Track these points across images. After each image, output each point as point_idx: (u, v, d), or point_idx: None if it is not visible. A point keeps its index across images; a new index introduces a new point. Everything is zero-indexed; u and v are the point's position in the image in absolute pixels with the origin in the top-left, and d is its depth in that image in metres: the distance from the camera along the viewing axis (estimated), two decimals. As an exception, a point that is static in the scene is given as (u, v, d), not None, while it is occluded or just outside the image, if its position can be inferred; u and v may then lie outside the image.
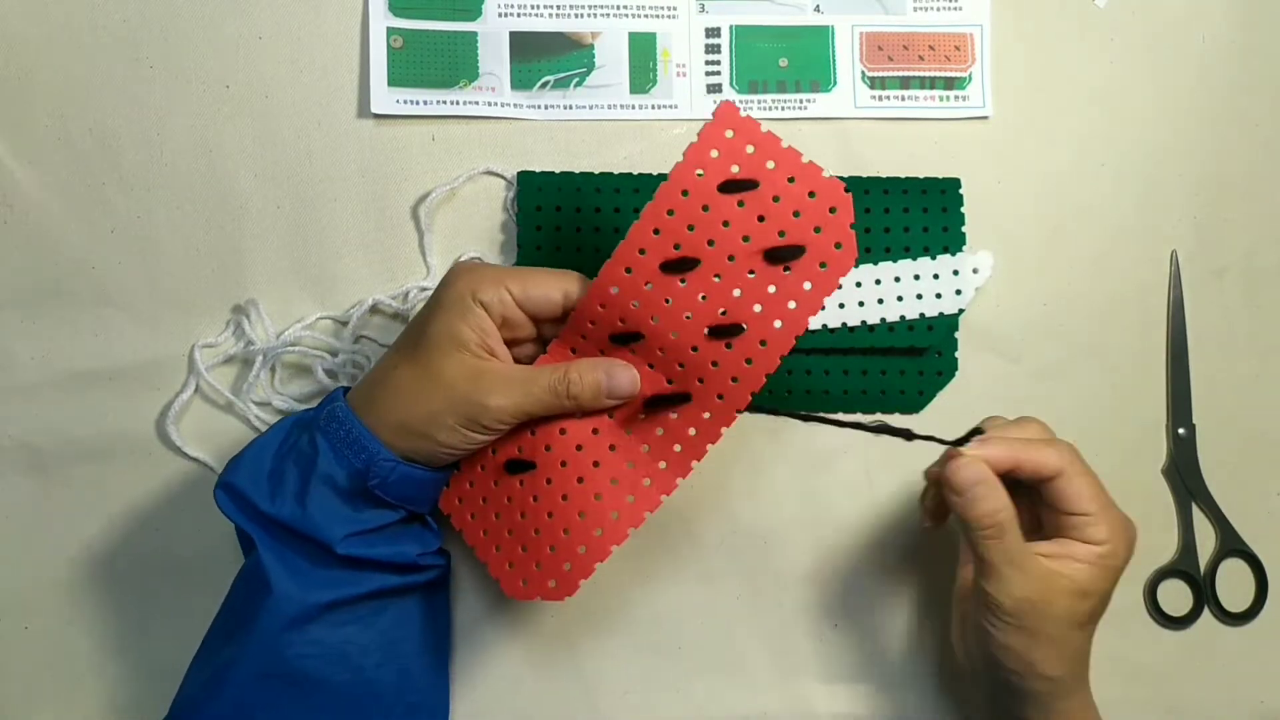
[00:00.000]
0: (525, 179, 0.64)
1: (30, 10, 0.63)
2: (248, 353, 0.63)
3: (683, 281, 0.52)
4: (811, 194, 0.51)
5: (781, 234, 0.51)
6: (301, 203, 0.64)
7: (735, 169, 0.51)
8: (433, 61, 0.64)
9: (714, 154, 0.51)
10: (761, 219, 0.51)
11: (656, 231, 0.52)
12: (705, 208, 0.51)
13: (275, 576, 0.52)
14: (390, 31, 0.64)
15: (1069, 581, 0.53)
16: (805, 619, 0.65)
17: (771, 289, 0.52)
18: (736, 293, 0.52)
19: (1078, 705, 0.55)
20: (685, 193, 0.51)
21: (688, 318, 0.52)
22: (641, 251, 0.52)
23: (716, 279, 0.52)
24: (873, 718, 0.65)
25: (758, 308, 0.52)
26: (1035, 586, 0.52)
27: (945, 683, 0.65)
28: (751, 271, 0.52)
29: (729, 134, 0.51)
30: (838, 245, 0.51)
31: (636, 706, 0.65)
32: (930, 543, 0.65)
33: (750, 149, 0.51)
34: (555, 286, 0.54)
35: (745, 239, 0.51)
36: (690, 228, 0.51)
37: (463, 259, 0.64)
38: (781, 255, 0.51)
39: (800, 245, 0.51)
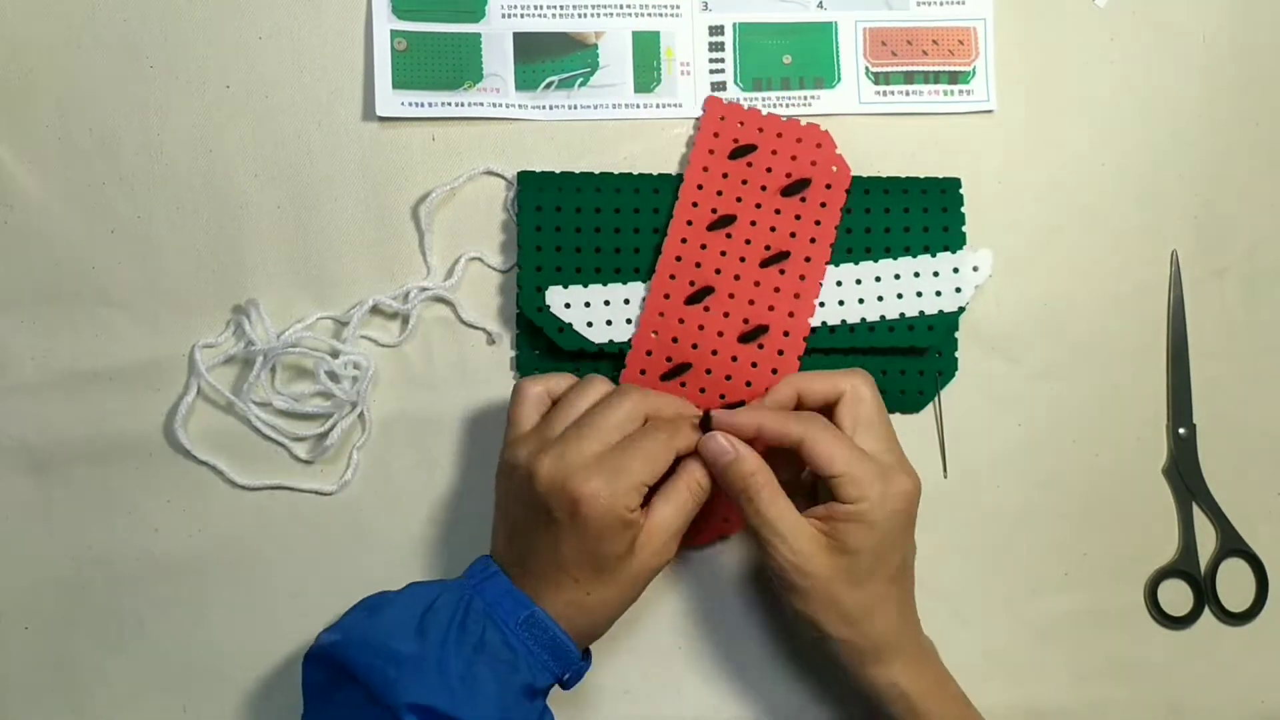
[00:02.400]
0: (526, 179, 0.64)
1: (30, 11, 0.63)
2: (248, 353, 0.63)
3: (729, 235, 0.62)
4: (798, 139, 0.64)
5: (788, 174, 0.63)
6: (301, 203, 0.64)
7: (735, 140, 0.64)
8: (437, 63, 0.64)
9: (715, 135, 0.64)
10: (769, 169, 0.63)
11: (695, 204, 0.63)
12: (725, 174, 0.63)
13: None
14: (394, 34, 0.64)
15: (825, 540, 0.55)
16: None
17: (797, 217, 0.63)
18: (772, 228, 0.63)
19: (890, 672, 0.57)
20: (706, 168, 0.63)
21: (720, 335, 0.62)
22: (689, 223, 0.63)
23: (753, 225, 0.63)
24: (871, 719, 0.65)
25: (793, 235, 0.63)
26: (796, 546, 0.55)
27: (946, 682, 0.65)
28: (778, 210, 0.63)
29: (721, 119, 0.64)
30: (834, 168, 0.64)
31: (636, 706, 0.65)
32: (930, 542, 0.65)
33: (740, 124, 0.64)
34: (669, 453, 0.56)
35: (763, 188, 0.63)
36: (719, 192, 0.63)
37: (463, 259, 0.64)
38: (794, 188, 0.63)
39: (805, 177, 0.63)
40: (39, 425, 0.63)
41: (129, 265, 0.63)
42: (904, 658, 0.57)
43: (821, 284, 0.62)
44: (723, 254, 0.62)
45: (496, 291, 0.65)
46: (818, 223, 0.63)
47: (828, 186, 0.63)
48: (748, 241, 0.62)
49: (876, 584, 0.56)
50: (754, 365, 0.61)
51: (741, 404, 0.61)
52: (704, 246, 0.62)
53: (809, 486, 0.61)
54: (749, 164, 0.63)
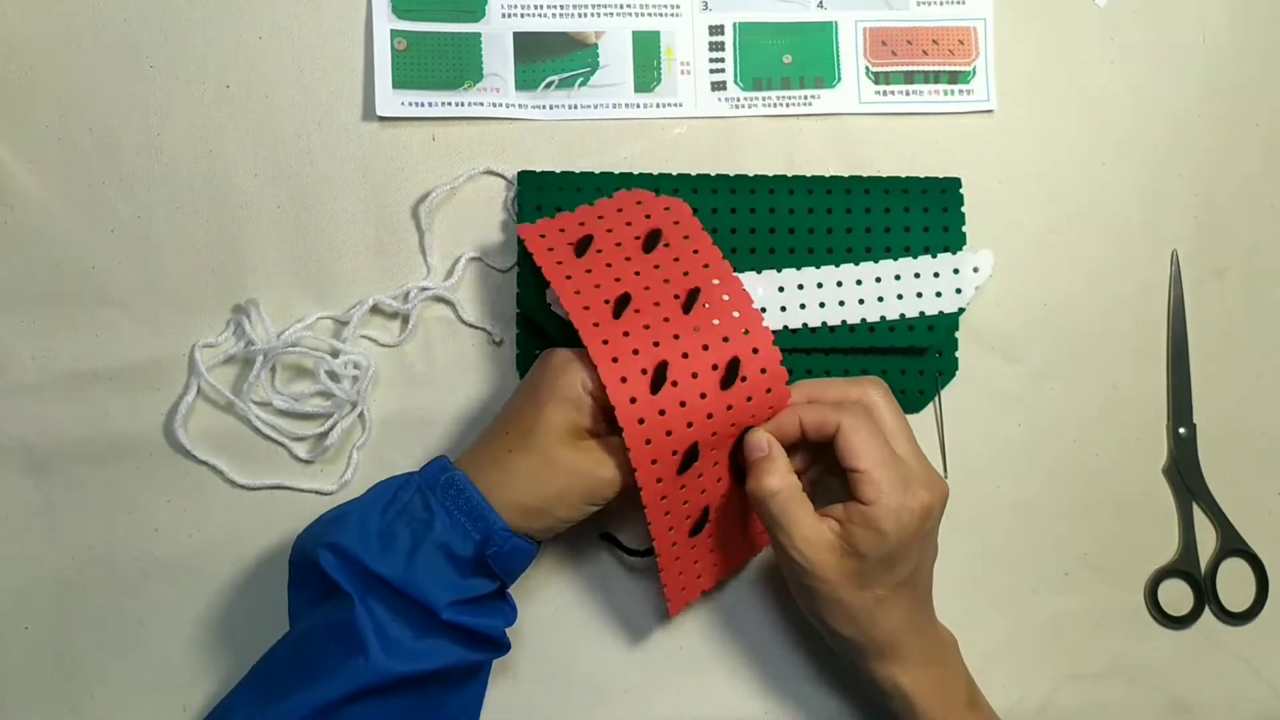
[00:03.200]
0: (526, 179, 0.64)
1: (30, 10, 0.63)
2: (248, 353, 0.63)
3: (637, 310, 0.56)
4: (639, 202, 0.61)
5: (636, 236, 0.59)
6: (301, 203, 0.64)
7: (569, 243, 0.59)
8: (437, 63, 0.64)
9: (550, 250, 0.59)
10: (618, 244, 0.59)
11: (586, 308, 0.56)
12: (587, 270, 0.58)
13: (370, 642, 0.52)
14: (394, 34, 0.64)
15: (835, 540, 0.55)
16: (805, 619, 0.65)
17: (675, 259, 0.58)
18: (666, 280, 0.57)
19: (894, 673, 0.58)
20: (569, 276, 0.57)
21: (703, 396, 0.55)
22: (595, 324, 0.55)
23: (646, 290, 0.57)
24: (871, 718, 0.65)
25: (686, 274, 0.57)
26: (808, 547, 0.55)
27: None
28: (656, 265, 0.58)
29: (542, 236, 0.59)
30: (666, 207, 0.60)
31: (636, 706, 0.65)
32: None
33: (561, 230, 0.59)
34: None
35: (626, 259, 0.58)
36: (596, 285, 0.57)
37: (463, 259, 0.64)
38: (650, 243, 0.59)
39: (654, 229, 0.59)
40: (39, 425, 0.63)
41: (129, 265, 0.63)
42: (908, 659, 0.58)
43: (750, 298, 0.57)
44: (646, 327, 0.55)
45: (496, 291, 0.65)
46: (696, 252, 0.58)
47: (676, 223, 0.60)
48: (656, 304, 0.56)
49: (882, 588, 0.56)
50: (749, 400, 0.56)
51: None
52: (626, 334, 0.55)
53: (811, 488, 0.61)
54: (598, 250, 0.58)
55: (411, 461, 0.64)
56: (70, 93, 0.63)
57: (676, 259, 0.58)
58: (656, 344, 0.55)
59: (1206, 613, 0.67)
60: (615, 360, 0.54)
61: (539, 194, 0.64)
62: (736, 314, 0.56)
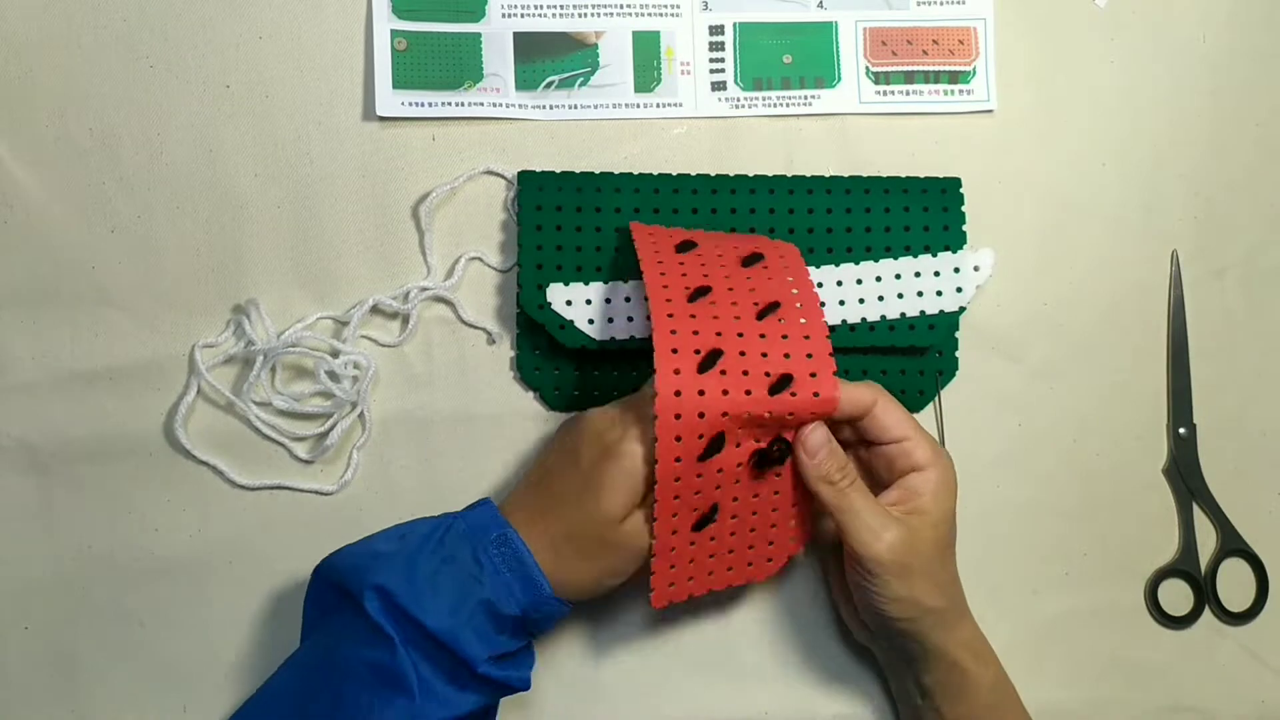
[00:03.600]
0: (526, 179, 0.64)
1: (30, 10, 0.63)
2: (248, 353, 0.63)
3: (712, 302, 0.57)
4: (752, 231, 0.63)
5: (738, 252, 0.60)
6: (301, 203, 0.64)
7: (674, 242, 0.60)
8: (437, 63, 0.64)
9: (651, 237, 0.60)
10: (719, 255, 0.59)
11: (665, 285, 0.57)
12: (680, 262, 0.58)
13: (413, 687, 0.52)
14: (394, 34, 0.64)
15: (922, 516, 0.57)
16: (805, 619, 0.65)
17: (769, 278, 0.59)
18: (751, 289, 0.58)
19: (964, 634, 0.59)
20: (660, 260, 0.58)
21: (748, 393, 0.55)
22: (667, 300, 0.56)
23: (730, 290, 0.57)
24: (872, 718, 0.65)
25: (773, 288, 0.58)
26: (895, 529, 0.56)
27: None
28: (748, 276, 0.58)
29: (650, 234, 0.61)
30: (780, 254, 0.60)
31: (636, 706, 0.65)
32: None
33: (671, 233, 0.61)
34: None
35: (721, 266, 0.59)
36: (683, 273, 0.58)
37: (463, 259, 0.64)
38: (751, 260, 0.60)
39: (757, 251, 0.60)
40: (39, 425, 0.63)
41: (129, 265, 0.63)
42: (970, 617, 0.60)
43: (826, 328, 0.57)
44: (715, 318, 0.56)
45: (496, 291, 0.65)
46: (790, 279, 0.59)
47: (781, 256, 0.60)
48: (734, 303, 0.57)
49: (952, 548, 0.59)
50: (791, 414, 0.55)
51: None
52: (693, 316, 0.56)
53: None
54: (698, 254, 0.59)
55: (411, 462, 0.64)
56: (70, 93, 0.63)
57: (769, 277, 0.59)
58: (719, 334, 0.55)
59: (1206, 613, 0.67)
60: (675, 351, 0.54)
61: (539, 194, 0.64)
62: (807, 337, 0.56)
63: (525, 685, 0.56)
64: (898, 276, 0.64)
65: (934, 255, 0.64)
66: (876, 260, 0.64)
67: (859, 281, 0.64)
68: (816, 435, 0.56)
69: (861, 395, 0.57)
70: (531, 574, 0.55)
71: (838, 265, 0.64)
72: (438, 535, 0.55)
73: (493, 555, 0.55)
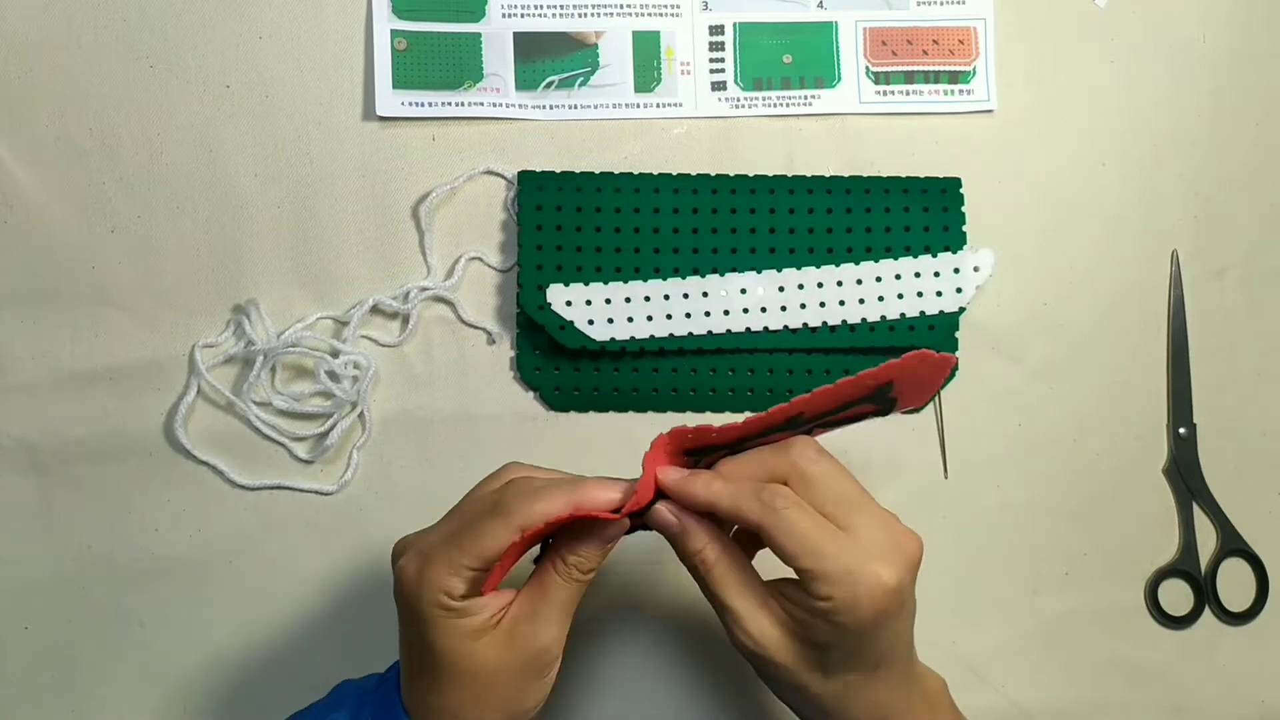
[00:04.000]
0: (526, 179, 0.64)
1: (30, 10, 0.63)
2: (248, 353, 0.63)
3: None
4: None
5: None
6: (301, 203, 0.64)
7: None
8: (437, 63, 0.64)
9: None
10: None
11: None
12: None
13: None
14: (394, 34, 0.64)
15: (792, 627, 0.48)
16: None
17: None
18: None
19: None
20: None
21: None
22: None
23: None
24: (873, 718, 0.65)
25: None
26: (757, 633, 0.48)
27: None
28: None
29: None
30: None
31: (636, 706, 0.65)
32: (931, 542, 0.65)
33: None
34: (506, 534, 0.47)
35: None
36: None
37: (463, 259, 0.64)
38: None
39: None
40: (39, 425, 0.63)
41: (129, 265, 0.63)
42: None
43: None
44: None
45: (496, 291, 0.65)
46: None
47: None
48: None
49: (851, 674, 0.48)
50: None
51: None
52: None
53: None
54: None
55: (411, 462, 0.64)
56: (70, 93, 0.63)
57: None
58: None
59: (1206, 613, 0.67)
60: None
61: (539, 194, 0.64)
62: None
63: None
64: (898, 277, 0.64)
65: (934, 255, 0.64)
66: (876, 260, 0.64)
67: (859, 281, 0.64)
68: (659, 517, 0.49)
69: (747, 508, 0.47)
70: None
71: (838, 265, 0.64)
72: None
73: None
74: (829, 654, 0.47)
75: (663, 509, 0.49)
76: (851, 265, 0.64)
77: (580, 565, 0.49)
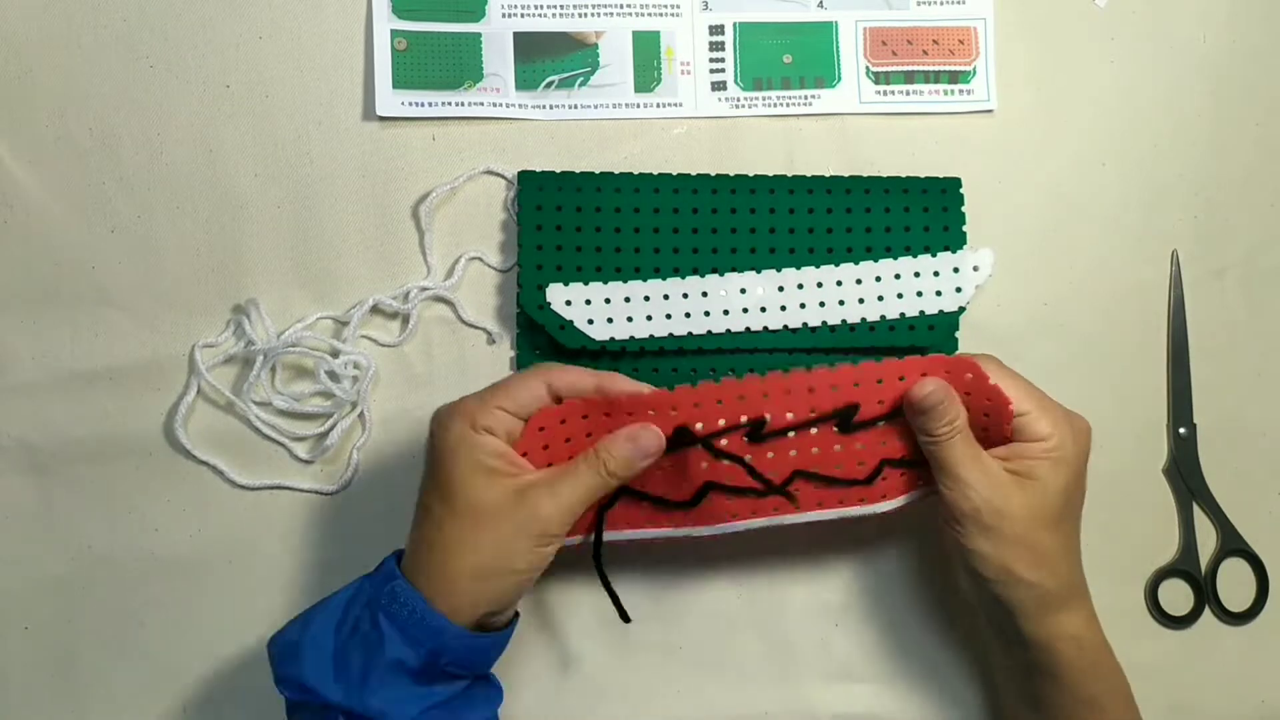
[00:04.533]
0: (526, 178, 0.64)
1: (30, 10, 0.63)
2: (248, 353, 0.63)
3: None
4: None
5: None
6: (301, 203, 0.64)
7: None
8: (437, 63, 0.64)
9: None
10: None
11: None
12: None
13: None
14: (394, 34, 0.64)
15: (1020, 480, 0.55)
16: (805, 619, 0.65)
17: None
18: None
19: (1074, 620, 0.56)
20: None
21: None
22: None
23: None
24: (872, 718, 0.65)
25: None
26: (989, 486, 0.54)
27: (945, 682, 0.65)
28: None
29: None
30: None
31: (636, 706, 0.65)
32: (931, 542, 0.65)
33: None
34: (538, 385, 0.55)
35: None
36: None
37: (463, 259, 0.64)
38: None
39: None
40: (39, 425, 0.63)
41: (129, 265, 0.63)
42: (1085, 606, 0.57)
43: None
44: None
45: (496, 291, 0.65)
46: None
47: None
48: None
49: (1069, 524, 0.56)
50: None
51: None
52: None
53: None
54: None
55: (411, 462, 0.64)
56: (70, 93, 0.63)
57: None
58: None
59: (1206, 613, 0.67)
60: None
61: (539, 194, 0.64)
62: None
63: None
64: (897, 276, 0.64)
65: (934, 255, 0.64)
66: (876, 260, 0.64)
67: (859, 281, 0.64)
68: (926, 389, 0.55)
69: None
70: (426, 620, 0.52)
71: (837, 265, 0.64)
72: (342, 607, 0.54)
73: (390, 613, 0.52)
74: (1053, 499, 0.54)
75: (931, 381, 0.55)
76: (851, 265, 0.64)
77: (608, 461, 0.54)
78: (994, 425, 0.56)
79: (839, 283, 0.64)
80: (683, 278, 0.64)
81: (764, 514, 0.57)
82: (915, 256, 0.64)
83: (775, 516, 0.57)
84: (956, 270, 0.64)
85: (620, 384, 0.55)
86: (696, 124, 0.66)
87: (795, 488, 0.57)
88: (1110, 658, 0.57)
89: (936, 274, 0.64)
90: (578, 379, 0.55)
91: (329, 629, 0.53)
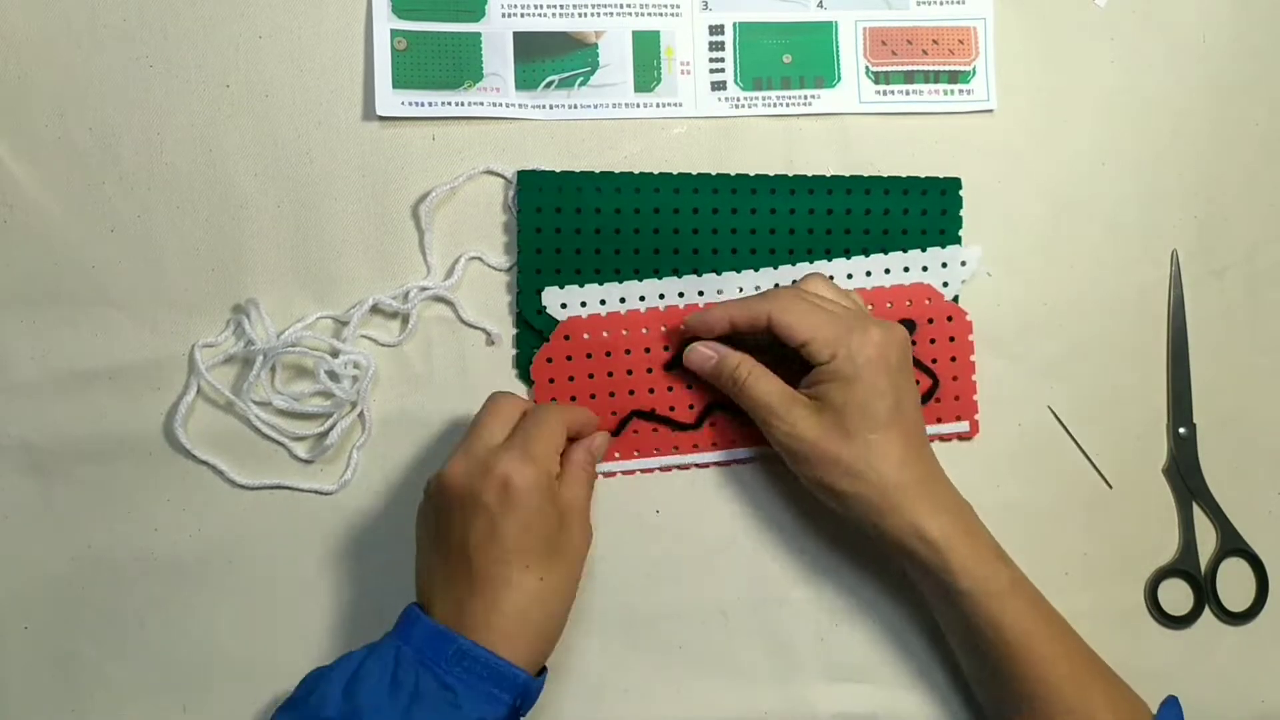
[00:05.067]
0: (526, 178, 0.64)
1: (30, 10, 0.63)
2: (248, 352, 0.63)
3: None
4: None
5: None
6: (301, 203, 0.64)
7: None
8: (437, 63, 0.64)
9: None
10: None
11: None
12: None
13: None
14: (394, 33, 0.64)
15: (812, 404, 0.58)
16: (805, 619, 0.65)
17: None
18: None
19: (906, 521, 0.57)
20: None
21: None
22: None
23: None
24: (873, 718, 0.65)
25: None
26: (787, 416, 0.58)
27: (945, 682, 0.65)
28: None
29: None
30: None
31: (636, 706, 0.65)
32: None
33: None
34: (562, 429, 0.59)
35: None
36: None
37: (463, 259, 0.64)
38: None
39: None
40: (39, 425, 0.63)
41: (129, 265, 0.63)
42: (921, 503, 0.57)
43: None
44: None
45: (496, 291, 0.65)
46: None
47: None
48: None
49: (869, 433, 0.57)
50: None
51: None
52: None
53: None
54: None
55: (411, 462, 0.64)
56: (70, 92, 0.63)
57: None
58: None
59: (1206, 613, 0.67)
60: None
61: (539, 194, 0.64)
62: None
63: None
64: (887, 271, 0.64)
65: (924, 251, 0.65)
66: (868, 255, 0.65)
67: (850, 276, 0.64)
68: (694, 354, 0.61)
69: (756, 310, 0.58)
70: (505, 672, 0.53)
71: (830, 261, 0.64)
72: (388, 677, 0.53)
73: (459, 673, 0.52)
74: (846, 415, 0.57)
75: (698, 346, 0.61)
76: (843, 260, 0.64)
77: (588, 462, 0.61)
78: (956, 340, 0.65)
79: (831, 277, 0.64)
80: (682, 277, 0.64)
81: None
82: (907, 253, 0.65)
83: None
84: (945, 266, 0.64)
85: (583, 413, 0.62)
86: (696, 124, 0.66)
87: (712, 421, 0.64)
88: (986, 554, 0.58)
89: (925, 269, 0.65)
90: (578, 415, 0.61)
91: (381, 696, 0.52)
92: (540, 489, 0.55)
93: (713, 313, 0.60)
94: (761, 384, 0.59)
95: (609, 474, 0.65)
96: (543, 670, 0.57)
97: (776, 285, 0.64)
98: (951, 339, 0.65)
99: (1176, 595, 0.67)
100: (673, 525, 0.65)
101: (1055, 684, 0.56)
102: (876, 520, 0.57)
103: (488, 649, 0.53)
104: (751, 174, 0.65)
